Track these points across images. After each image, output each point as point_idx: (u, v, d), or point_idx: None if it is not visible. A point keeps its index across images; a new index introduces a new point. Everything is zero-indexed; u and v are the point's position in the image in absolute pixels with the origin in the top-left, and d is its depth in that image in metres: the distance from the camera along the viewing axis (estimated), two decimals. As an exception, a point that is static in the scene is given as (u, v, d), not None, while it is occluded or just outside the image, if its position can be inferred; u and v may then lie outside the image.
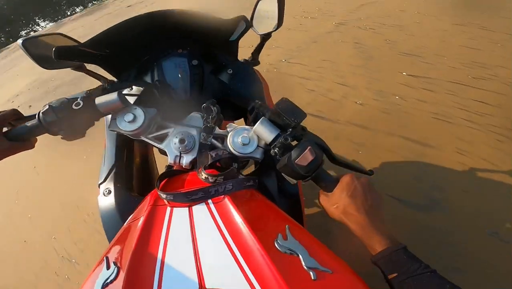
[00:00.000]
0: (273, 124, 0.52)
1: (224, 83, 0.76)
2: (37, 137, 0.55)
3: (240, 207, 0.43)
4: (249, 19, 0.70)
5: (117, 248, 0.45)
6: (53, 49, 0.56)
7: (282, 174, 0.53)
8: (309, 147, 0.48)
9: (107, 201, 0.66)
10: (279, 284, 0.33)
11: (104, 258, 0.41)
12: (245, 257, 0.36)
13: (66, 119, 0.50)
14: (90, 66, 0.73)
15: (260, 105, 0.55)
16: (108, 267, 0.39)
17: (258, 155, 0.55)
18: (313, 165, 0.48)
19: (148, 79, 0.75)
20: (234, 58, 0.80)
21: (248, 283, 0.34)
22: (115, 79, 0.77)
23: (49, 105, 0.50)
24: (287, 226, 0.42)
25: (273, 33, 0.75)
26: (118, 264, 0.39)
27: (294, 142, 0.52)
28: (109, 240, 0.62)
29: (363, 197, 0.47)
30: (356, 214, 0.46)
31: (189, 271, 0.36)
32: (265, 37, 0.78)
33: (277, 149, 0.51)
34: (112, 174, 0.69)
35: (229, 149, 0.54)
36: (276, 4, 0.67)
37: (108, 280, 0.37)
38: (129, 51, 0.72)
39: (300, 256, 0.38)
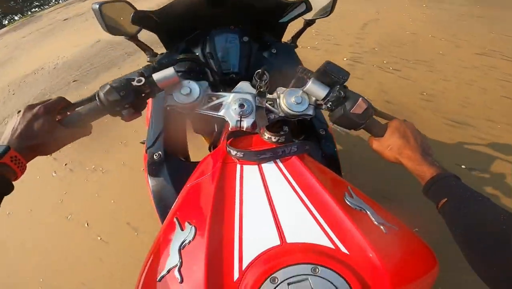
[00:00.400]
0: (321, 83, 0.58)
1: (268, 60, 0.81)
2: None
3: (307, 163, 0.46)
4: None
5: (187, 209, 0.45)
6: (132, 13, 0.59)
7: (335, 125, 0.59)
8: (361, 97, 0.54)
9: (157, 165, 0.67)
10: (355, 235, 0.36)
11: (174, 219, 0.41)
12: (320, 211, 0.38)
13: (128, 97, 0.50)
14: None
15: (304, 69, 0.60)
16: (182, 228, 0.40)
17: (311, 112, 0.59)
18: (367, 113, 0.54)
19: (197, 51, 0.79)
20: (278, 39, 0.86)
21: (326, 236, 0.36)
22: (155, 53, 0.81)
23: (109, 85, 0.50)
24: (348, 186, 0.45)
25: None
26: (194, 224, 0.39)
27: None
28: (158, 203, 0.63)
29: (413, 136, 0.53)
30: (409, 152, 0.51)
31: (268, 227, 0.37)
32: (309, 22, 0.83)
33: (330, 103, 0.56)
34: (161, 138, 0.70)
35: (284, 109, 0.58)
36: None
37: (186, 241, 0.37)
38: (186, 24, 0.76)
39: (368, 212, 0.40)
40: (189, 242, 0.37)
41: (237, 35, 0.79)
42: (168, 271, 0.35)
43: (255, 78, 0.59)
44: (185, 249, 0.37)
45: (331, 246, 0.35)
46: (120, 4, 0.73)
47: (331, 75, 0.55)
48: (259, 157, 0.46)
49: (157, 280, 0.35)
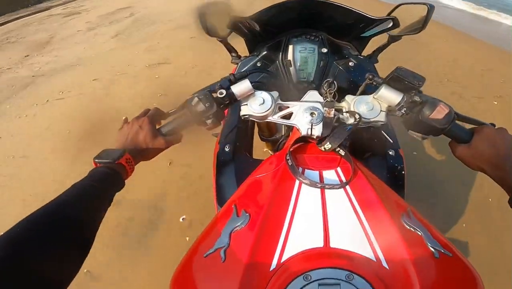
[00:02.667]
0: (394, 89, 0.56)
1: (344, 73, 0.80)
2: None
3: (368, 178, 0.45)
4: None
5: (246, 199, 0.49)
6: (230, 18, 0.66)
7: (410, 131, 0.57)
8: (441, 101, 0.51)
9: (225, 155, 0.73)
10: (401, 253, 0.35)
11: (233, 206, 0.45)
12: (371, 224, 0.38)
13: (212, 108, 0.56)
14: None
15: (374, 76, 0.58)
16: (238, 215, 0.43)
17: (383, 118, 0.57)
18: (449, 118, 0.51)
19: (276, 57, 0.83)
20: (357, 53, 0.85)
21: (371, 247, 0.36)
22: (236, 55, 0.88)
23: (196, 97, 0.56)
24: (409, 208, 0.44)
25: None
26: (249, 213, 0.43)
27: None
28: (219, 191, 0.68)
29: (504, 145, 0.49)
30: (499, 162, 0.49)
31: (316, 228, 0.39)
32: (395, 38, 0.79)
33: (404, 109, 0.54)
34: (233, 133, 0.77)
35: (356, 116, 0.57)
36: (425, 9, 0.68)
37: (238, 227, 0.41)
38: (271, 30, 0.81)
39: (423, 235, 0.39)
40: (241, 228, 0.41)
41: (317, 45, 0.80)
42: (215, 250, 0.39)
43: (323, 87, 0.60)
44: (235, 233, 0.40)
45: (373, 258, 0.35)
46: (220, 5, 0.77)
47: (404, 80, 0.52)
48: (320, 165, 0.48)
49: (204, 255, 0.39)
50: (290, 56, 0.80)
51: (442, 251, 0.37)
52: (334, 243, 0.37)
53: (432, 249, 0.37)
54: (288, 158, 0.49)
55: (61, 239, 0.35)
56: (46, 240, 0.33)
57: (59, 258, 0.35)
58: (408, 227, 0.40)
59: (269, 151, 1.16)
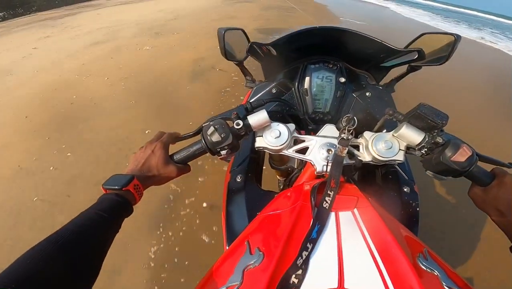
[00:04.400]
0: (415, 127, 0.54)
1: (361, 104, 0.79)
2: None
3: (384, 218, 0.44)
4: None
5: (260, 236, 0.48)
6: (249, 44, 0.67)
7: (428, 171, 0.56)
8: (465, 144, 0.50)
9: (236, 186, 0.71)
10: None
11: (246, 242, 0.44)
12: (387, 266, 0.37)
13: (227, 138, 0.54)
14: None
15: (395, 112, 0.56)
16: (251, 252, 0.42)
17: (401, 158, 0.56)
18: (471, 160, 0.50)
19: (292, 84, 0.82)
20: (375, 82, 0.84)
21: None
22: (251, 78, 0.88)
23: (212, 127, 0.54)
24: (425, 248, 0.43)
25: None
26: (263, 251, 0.41)
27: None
28: (228, 222, 0.66)
29: None
30: (508, 210, 0.49)
31: (331, 269, 0.38)
32: (415, 68, 0.78)
33: (425, 149, 0.53)
34: (245, 163, 0.75)
35: (372, 154, 0.56)
36: (450, 40, 0.67)
37: (251, 265, 0.40)
38: (288, 56, 0.80)
39: (439, 275, 0.38)
40: (255, 266, 0.39)
41: (335, 74, 0.79)
42: (227, 288, 0.38)
43: (342, 122, 0.58)
44: (248, 271, 0.39)
45: None
46: (237, 32, 0.81)
47: (427, 118, 0.51)
48: (336, 205, 0.47)
49: None
50: (306, 85, 0.79)
51: None
52: (348, 284, 0.36)
53: None
54: (312, 200, 0.48)
55: (69, 269, 0.35)
56: (55, 272, 0.34)
57: (75, 280, 0.35)
58: (424, 268, 0.39)
59: (278, 177, 1.14)
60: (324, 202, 0.47)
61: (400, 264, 0.37)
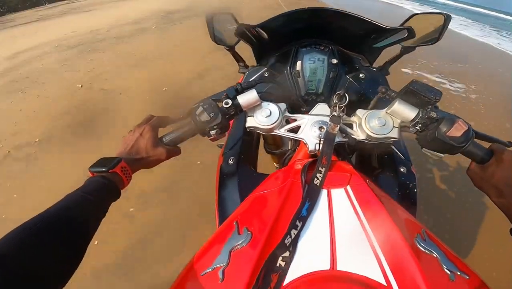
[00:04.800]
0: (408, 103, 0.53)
1: (354, 85, 0.78)
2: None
3: (380, 197, 0.43)
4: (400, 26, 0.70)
5: (249, 216, 0.46)
6: (237, 26, 0.65)
7: (424, 149, 0.55)
8: (460, 118, 0.50)
9: (229, 168, 0.70)
10: (416, 276, 0.32)
11: (234, 222, 0.43)
12: (382, 247, 0.36)
13: (217, 118, 0.54)
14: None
15: (387, 89, 0.56)
16: (239, 232, 0.41)
17: (396, 135, 0.55)
18: (467, 136, 0.49)
19: (284, 67, 0.81)
20: (368, 64, 0.83)
21: (381, 271, 0.34)
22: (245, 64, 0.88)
23: (201, 106, 0.54)
24: (423, 229, 0.42)
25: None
26: (251, 231, 0.41)
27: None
28: (221, 205, 0.66)
29: None
30: (506, 189, 0.48)
31: (323, 250, 0.37)
32: (407, 49, 0.78)
33: (419, 125, 0.52)
34: (238, 145, 0.74)
35: (366, 132, 0.56)
36: (440, 20, 0.67)
37: (238, 245, 0.39)
38: (279, 39, 0.79)
39: (439, 257, 0.37)
40: (242, 246, 0.38)
41: (326, 56, 0.78)
42: (213, 269, 0.37)
43: (334, 100, 0.57)
44: (235, 252, 0.38)
45: (383, 282, 0.32)
46: (226, 16, 0.80)
47: (420, 94, 0.50)
48: (329, 182, 0.45)
49: (201, 274, 0.37)
50: (298, 67, 0.78)
51: (459, 273, 0.36)
52: (341, 266, 0.35)
53: (448, 272, 0.35)
54: (303, 178, 0.47)
55: (49, 252, 0.35)
56: (43, 244, 0.34)
57: (55, 263, 0.35)
58: (423, 249, 0.38)
59: (275, 164, 1.13)
60: (315, 179, 0.46)
61: (396, 245, 0.36)
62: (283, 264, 0.35)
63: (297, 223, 0.39)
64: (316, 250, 0.37)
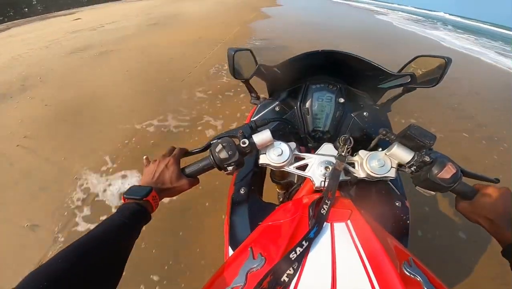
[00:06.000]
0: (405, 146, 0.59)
1: (358, 124, 0.84)
2: None
3: (375, 230, 0.49)
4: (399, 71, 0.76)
5: (262, 243, 0.52)
6: (257, 65, 0.72)
7: (418, 187, 0.60)
8: (450, 162, 0.55)
9: (240, 198, 0.75)
10: None
11: (249, 249, 0.48)
12: (376, 274, 0.41)
13: (234, 156, 0.59)
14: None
15: (387, 132, 0.61)
16: (254, 257, 0.46)
17: (393, 174, 0.60)
18: (455, 177, 0.54)
19: (294, 103, 0.88)
20: (372, 102, 0.89)
21: None
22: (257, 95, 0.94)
23: (221, 145, 0.59)
24: (410, 257, 0.47)
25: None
26: (265, 257, 0.45)
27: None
28: (232, 232, 0.70)
29: (503, 205, 0.54)
30: (497, 219, 0.54)
31: (325, 276, 0.42)
32: (409, 90, 0.82)
33: (414, 167, 0.57)
34: (249, 176, 0.79)
35: (366, 172, 0.61)
36: (441, 63, 0.70)
37: (254, 268, 0.44)
38: (292, 75, 0.86)
39: (422, 281, 0.42)
40: (257, 269, 0.44)
41: (334, 95, 0.84)
42: (232, 288, 0.42)
43: (339, 141, 0.63)
44: (251, 274, 0.43)
45: None
46: (245, 52, 0.86)
47: (416, 139, 0.56)
48: (332, 217, 0.51)
49: None
50: (308, 104, 0.84)
51: None
52: (340, 287, 0.40)
53: None
54: (310, 212, 0.52)
55: (94, 272, 0.40)
56: (82, 275, 0.38)
57: (100, 282, 0.40)
58: (409, 274, 0.43)
59: (278, 190, 1.18)
60: (322, 209, 0.52)
61: (387, 271, 0.42)
62: (286, 279, 0.41)
63: (304, 242, 0.45)
64: (319, 274, 0.42)
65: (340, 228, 0.50)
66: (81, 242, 0.42)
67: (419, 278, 0.43)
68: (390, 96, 0.89)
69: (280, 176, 0.97)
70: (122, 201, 0.54)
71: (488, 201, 0.55)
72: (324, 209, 0.52)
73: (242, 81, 0.91)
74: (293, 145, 0.65)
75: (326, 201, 0.53)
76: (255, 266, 0.45)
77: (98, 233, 0.45)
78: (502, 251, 0.53)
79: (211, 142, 0.63)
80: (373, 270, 0.42)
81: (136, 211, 0.51)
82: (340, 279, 0.42)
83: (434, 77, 0.72)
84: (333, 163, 0.62)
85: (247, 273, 0.44)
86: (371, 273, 0.42)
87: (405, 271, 0.44)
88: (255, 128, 0.65)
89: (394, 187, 0.77)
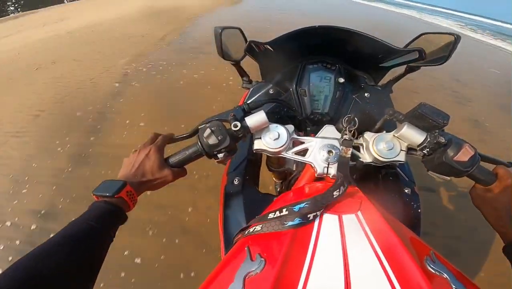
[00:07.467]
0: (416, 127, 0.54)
1: (360, 105, 0.78)
2: None
3: (389, 221, 0.43)
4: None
5: (260, 241, 0.46)
6: (247, 42, 0.65)
7: (431, 172, 0.55)
8: (467, 143, 0.50)
9: (234, 189, 0.69)
10: None
11: (246, 248, 0.42)
12: (395, 271, 0.36)
13: (225, 141, 0.53)
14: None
15: (395, 112, 0.56)
16: (252, 259, 0.40)
17: (403, 158, 0.55)
18: (473, 160, 0.50)
19: (290, 84, 0.81)
20: (374, 83, 0.83)
21: None
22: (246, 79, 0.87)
23: (209, 129, 0.53)
24: (431, 250, 0.42)
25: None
26: (265, 258, 0.40)
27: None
28: (225, 226, 0.64)
29: None
30: (503, 212, 0.50)
31: (337, 277, 0.36)
32: (413, 68, 0.77)
33: (427, 149, 0.52)
34: (242, 165, 0.73)
35: (374, 155, 0.55)
36: (450, 40, 0.66)
37: (252, 272, 0.38)
38: (287, 56, 0.79)
39: (448, 278, 0.38)
40: (256, 273, 0.38)
41: (333, 74, 0.78)
42: None
43: (342, 123, 0.57)
44: (250, 279, 0.37)
45: None
46: (233, 31, 0.80)
47: (428, 118, 0.50)
48: (339, 208, 0.46)
49: None
50: (305, 85, 0.78)
51: None
52: None
53: None
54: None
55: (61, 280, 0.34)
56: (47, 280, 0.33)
57: None
58: (433, 271, 0.38)
59: (275, 179, 1.13)
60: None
61: (408, 268, 0.36)
62: None
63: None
64: (331, 277, 0.37)
65: (350, 220, 0.45)
66: (37, 253, 0.35)
67: (445, 275, 0.38)
68: (392, 77, 0.85)
69: (277, 163, 0.91)
70: (94, 199, 0.47)
71: (506, 191, 0.51)
72: (331, 204, 0.46)
73: (232, 64, 0.84)
74: (291, 127, 0.59)
75: (334, 194, 0.47)
76: (254, 269, 0.38)
77: (59, 240, 0.37)
78: (504, 248, 0.49)
79: (199, 127, 0.56)
80: (391, 267, 0.37)
81: (106, 212, 0.43)
82: (355, 279, 0.36)
83: (443, 55, 0.68)
84: (336, 146, 0.56)
85: (244, 278, 0.37)
86: (389, 270, 0.36)
87: (428, 267, 0.39)
88: (248, 110, 0.58)
89: (401, 173, 0.72)
